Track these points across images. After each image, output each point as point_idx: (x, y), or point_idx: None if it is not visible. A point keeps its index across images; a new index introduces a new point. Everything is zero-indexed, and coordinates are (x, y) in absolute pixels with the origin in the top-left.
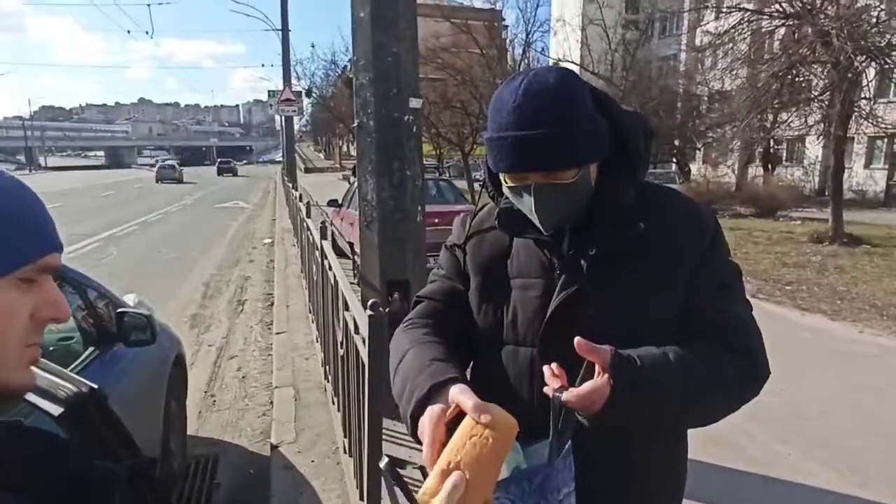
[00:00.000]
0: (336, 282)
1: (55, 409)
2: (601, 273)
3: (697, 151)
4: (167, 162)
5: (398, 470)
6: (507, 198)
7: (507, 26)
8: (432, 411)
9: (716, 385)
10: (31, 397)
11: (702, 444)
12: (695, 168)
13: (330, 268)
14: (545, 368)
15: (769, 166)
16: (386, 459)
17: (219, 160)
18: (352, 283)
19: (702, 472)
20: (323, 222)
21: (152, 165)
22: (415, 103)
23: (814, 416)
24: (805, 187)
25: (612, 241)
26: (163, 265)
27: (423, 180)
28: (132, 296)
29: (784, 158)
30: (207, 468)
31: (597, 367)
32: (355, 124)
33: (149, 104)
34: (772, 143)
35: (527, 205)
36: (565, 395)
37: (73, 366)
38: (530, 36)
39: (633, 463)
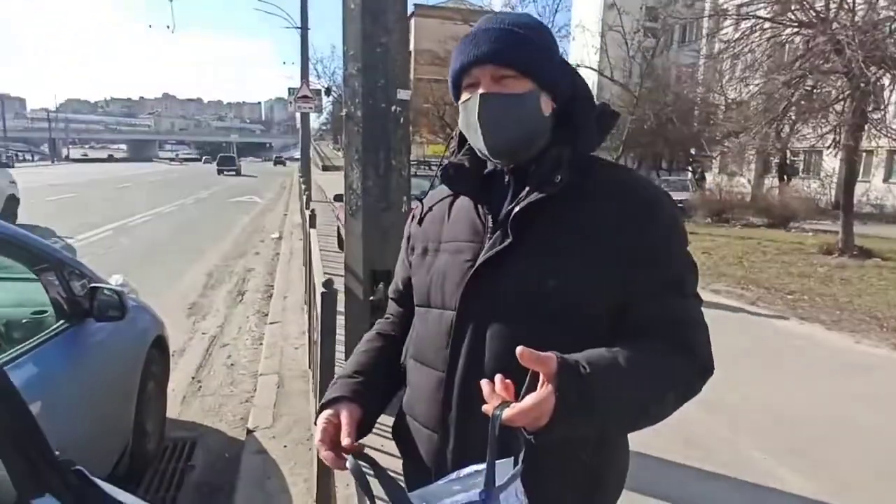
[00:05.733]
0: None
1: None
2: (529, 233)
3: (714, 160)
4: (225, 154)
5: (363, 473)
6: (462, 154)
7: None
8: (324, 415)
9: (666, 389)
10: None
11: (676, 446)
12: (710, 177)
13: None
14: (484, 384)
15: (785, 177)
16: (352, 461)
17: (275, 156)
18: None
19: (670, 472)
20: (312, 210)
21: (172, 159)
22: (403, 94)
23: (797, 423)
24: (821, 200)
25: (532, 196)
26: (170, 255)
27: (408, 171)
28: (118, 276)
29: (801, 170)
30: (184, 451)
31: (540, 377)
32: (343, 113)
33: (172, 99)
34: (788, 154)
35: (472, 120)
36: (506, 413)
37: (42, 335)
38: None
39: (581, 471)
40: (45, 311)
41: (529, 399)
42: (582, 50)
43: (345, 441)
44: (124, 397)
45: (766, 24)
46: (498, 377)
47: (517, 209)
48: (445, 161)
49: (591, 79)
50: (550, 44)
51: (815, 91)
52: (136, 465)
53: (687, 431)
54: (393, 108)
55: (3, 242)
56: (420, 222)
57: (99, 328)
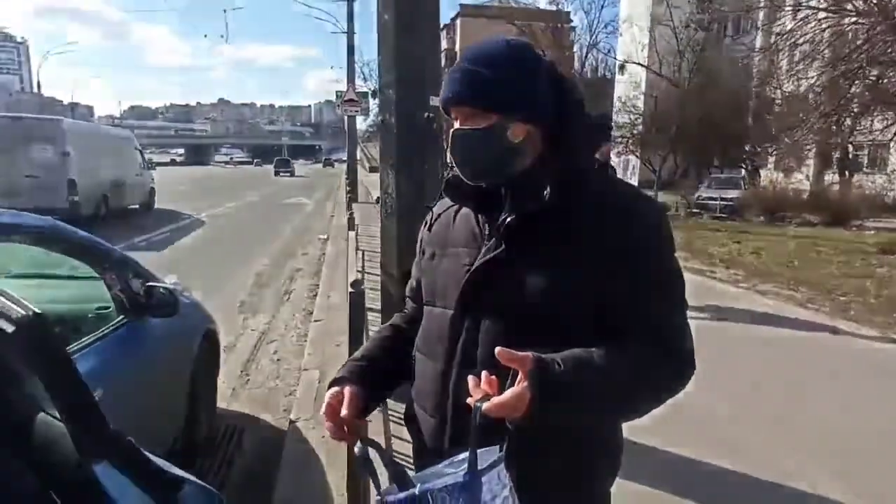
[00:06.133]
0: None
1: (8, 327)
2: (520, 242)
3: (769, 156)
4: (281, 158)
5: (369, 457)
6: None
7: (574, 28)
8: (330, 392)
9: (640, 387)
10: None
11: (703, 445)
12: (764, 174)
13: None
14: (470, 379)
15: (846, 173)
16: (360, 447)
17: (324, 157)
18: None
19: (699, 473)
20: (350, 213)
21: (227, 163)
22: (435, 102)
23: (838, 431)
24: (888, 196)
25: (523, 209)
26: (222, 255)
27: (441, 175)
28: (172, 276)
29: (865, 165)
30: (233, 438)
31: (519, 374)
32: (379, 120)
33: (227, 104)
34: (850, 148)
35: (450, 152)
36: (486, 406)
37: (104, 329)
38: (595, 37)
39: (568, 460)
40: (108, 308)
41: (507, 393)
42: (629, 45)
43: (342, 413)
44: (177, 387)
45: (822, 14)
46: (484, 373)
47: (508, 220)
48: (449, 175)
49: (639, 75)
50: (519, 74)
51: (880, 82)
52: (188, 450)
53: (720, 433)
54: (426, 114)
55: (74, 246)
56: (430, 228)
57: (154, 324)
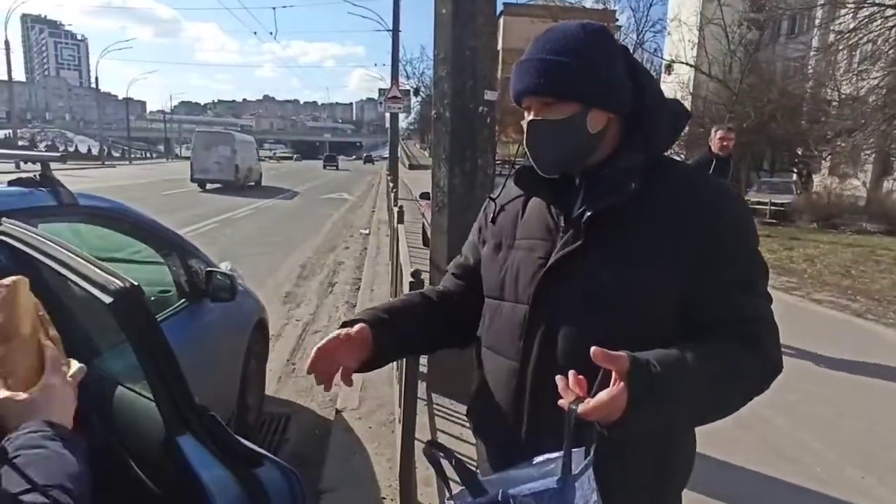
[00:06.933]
0: (399, 259)
1: (106, 298)
2: (600, 234)
3: (823, 161)
4: (329, 154)
5: (438, 453)
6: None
7: (619, 27)
8: (339, 330)
9: (733, 386)
10: (88, 286)
11: (767, 458)
12: (818, 179)
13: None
14: (558, 379)
15: None
16: (427, 447)
17: (365, 154)
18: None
19: (761, 484)
20: (400, 207)
21: (270, 158)
22: (490, 95)
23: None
24: None
25: (606, 201)
26: (267, 246)
27: (493, 169)
28: (226, 264)
29: None
30: (279, 425)
31: (613, 375)
32: (433, 114)
33: (272, 101)
34: None
35: (525, 142)
36: (581, 408)
37: (166, 312)
38: (641, 36)
39: (647, 461)
40: (169, 291)
41: (603, 395)
42: (678, 45)
43: (342, 332)
44: (231, 372)
45: (889, 12)
46: (571, 373)
47: (590, 213)
48: (519, 164)
49: (687, 75)
50: (598, 61)
51: None
52: (240, 434)
53: (778, 443)
54: (480, 108)
55: (141, 229)
56: (493, 220)
57: (212, 308)
